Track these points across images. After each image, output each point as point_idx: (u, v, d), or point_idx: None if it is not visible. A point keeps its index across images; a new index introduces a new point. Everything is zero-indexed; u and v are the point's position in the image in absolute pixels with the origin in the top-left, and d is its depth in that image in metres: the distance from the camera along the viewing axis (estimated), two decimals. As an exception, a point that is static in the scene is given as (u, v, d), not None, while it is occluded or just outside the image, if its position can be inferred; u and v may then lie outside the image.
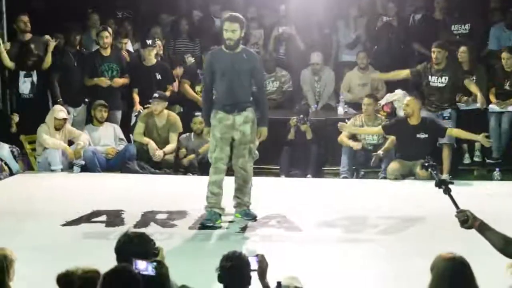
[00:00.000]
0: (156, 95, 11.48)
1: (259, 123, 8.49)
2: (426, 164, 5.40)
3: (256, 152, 8.66)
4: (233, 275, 4.48)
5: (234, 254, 4.57)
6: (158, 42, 12.38)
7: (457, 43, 11.79)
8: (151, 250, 4.62)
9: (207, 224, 8.24)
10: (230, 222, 8.44)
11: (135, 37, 13.30)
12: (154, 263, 4.31)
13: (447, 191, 4.91)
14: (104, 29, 12.11)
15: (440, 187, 4.94)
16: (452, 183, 4.95)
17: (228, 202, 8.55)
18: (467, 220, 4.70)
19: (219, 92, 8.43)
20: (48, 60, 11.88)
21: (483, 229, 4.68)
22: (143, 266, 4.26)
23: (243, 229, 8.24)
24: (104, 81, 11.90)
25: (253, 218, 8.50)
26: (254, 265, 4.56)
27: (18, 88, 11.95)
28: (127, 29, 13.08)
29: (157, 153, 11.28)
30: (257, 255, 4.60)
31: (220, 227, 8.26)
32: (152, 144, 11.34)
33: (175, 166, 11.38)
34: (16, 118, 11.59)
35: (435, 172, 5.23)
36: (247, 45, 12.31)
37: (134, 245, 4.59)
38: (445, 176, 10.37)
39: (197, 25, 13.70)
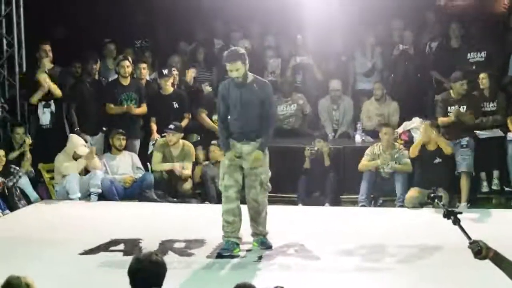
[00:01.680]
0: (171, 126, 11.51)
1: (258, 146, 8.35)
2: (432, 195, 5.37)
3: (269, 184, 8.59)
4: None
5: (245, 285, 4.50)
6: (175, 72, 12.44)
7: (474, 72, 11.71)
8: (163, 271, 4.64)
9: (224, 254, 8.22)
10: (247, 250, 8.42)
11: (153, 66, 13.35)
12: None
13: (456, 222, 4.85)
14: (125, 58, 12.14)
15: (448, 218, 4.87)
16: (460, 213, 4.89)
17: (246, 229, 8.54)
18: (480, 251, 4.65)
19: (230, 122, 8.48)
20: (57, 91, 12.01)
21: (498, 259, 4.62)
22: None
23: (261, 258, 8.20)
24: (122, 108, 11.95)
25: (269, 247, 8.47)
26: None
27: (38, 119, 12.06)
28: (146, 58, 13.13)
29: (184, 172, 11.42)
30: (276, 287, 4.55)
31: (238, 256, 8.24)
32: (175, 165, 11.43)
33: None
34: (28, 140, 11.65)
35: (441, 203, 5.19)
36: (264, 74, 12.38)
37: (146, 267, 4.61)
38: (463, 204, 10.35)
39: (216, 53, 13.72)
